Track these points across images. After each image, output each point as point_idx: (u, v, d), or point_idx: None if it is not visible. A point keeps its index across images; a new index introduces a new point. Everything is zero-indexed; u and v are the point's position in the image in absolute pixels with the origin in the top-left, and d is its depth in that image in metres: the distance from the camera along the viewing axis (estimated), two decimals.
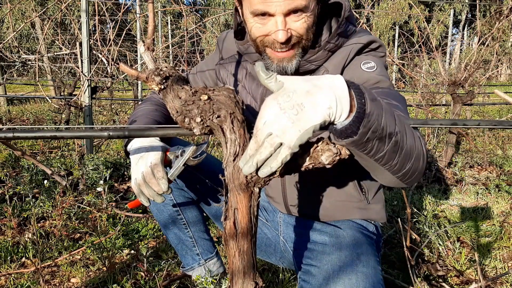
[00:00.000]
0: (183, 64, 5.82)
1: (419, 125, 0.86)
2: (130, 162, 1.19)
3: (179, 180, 1.40)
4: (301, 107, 0.69)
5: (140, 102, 1.43)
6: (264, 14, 1.03)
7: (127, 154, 1.21)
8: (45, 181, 2.54)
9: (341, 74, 1.13)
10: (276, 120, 0.69)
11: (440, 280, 1.80)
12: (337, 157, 0.76)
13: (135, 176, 1.13)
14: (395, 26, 13.61)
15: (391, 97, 1.02)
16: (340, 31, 1.12)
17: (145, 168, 1.11)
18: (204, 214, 1.56)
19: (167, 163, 1.17)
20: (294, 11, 1.02)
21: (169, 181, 1.13)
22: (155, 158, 1.12)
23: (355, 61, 1.13)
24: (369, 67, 1.10)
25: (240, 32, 1.27)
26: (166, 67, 0.84)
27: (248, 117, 0.80)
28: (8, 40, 3.44)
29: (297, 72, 1.16)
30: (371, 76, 1.09)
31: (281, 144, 0.71)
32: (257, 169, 0.74)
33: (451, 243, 2.10)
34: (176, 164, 1.17)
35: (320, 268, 1.09)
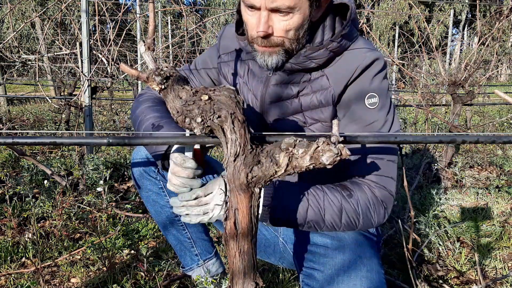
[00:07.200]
0: (183, 64, 5.82)
1: (419, 141, 0.85)
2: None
3: None
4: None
5: (137, 97, 1.40)
6: (252, 6, 1.04)
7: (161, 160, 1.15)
8: (45, 181, 2.54)
9: (344, 91, 1.14)
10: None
11: (441, 281, 1.80)
12: (338, 158, 0.76)
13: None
14: (395, 26, 13.62)
15: (380, 151, 1.09)
16: (345, 32, 1.11)
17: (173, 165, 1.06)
18: None
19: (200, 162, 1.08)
20: (279, 10, 1.01)
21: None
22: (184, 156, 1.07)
23: (360, 85, 1.13)
24: (372, 103, 1.12)
25: (242, 26, 1.27)
26: (167, 67, 0.84)
27: (250, 116, 0.80)
28: (8, 40, 3.44)
29: (296, 69, 1.16)
30: (372, 115, 1.12)
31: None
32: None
33: (451, 243, 2.10)
34: None
35: (324, 272, 1.09)
